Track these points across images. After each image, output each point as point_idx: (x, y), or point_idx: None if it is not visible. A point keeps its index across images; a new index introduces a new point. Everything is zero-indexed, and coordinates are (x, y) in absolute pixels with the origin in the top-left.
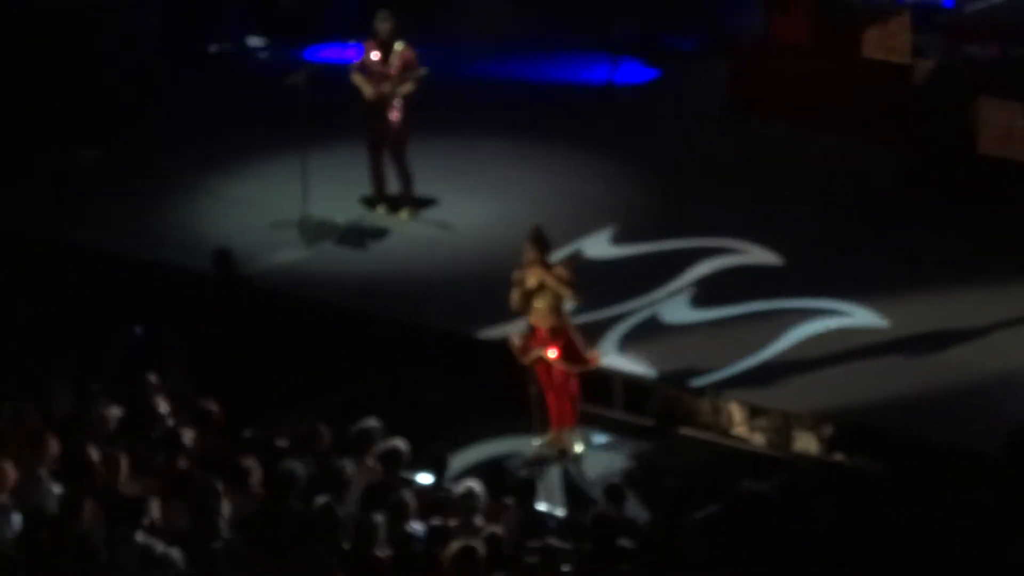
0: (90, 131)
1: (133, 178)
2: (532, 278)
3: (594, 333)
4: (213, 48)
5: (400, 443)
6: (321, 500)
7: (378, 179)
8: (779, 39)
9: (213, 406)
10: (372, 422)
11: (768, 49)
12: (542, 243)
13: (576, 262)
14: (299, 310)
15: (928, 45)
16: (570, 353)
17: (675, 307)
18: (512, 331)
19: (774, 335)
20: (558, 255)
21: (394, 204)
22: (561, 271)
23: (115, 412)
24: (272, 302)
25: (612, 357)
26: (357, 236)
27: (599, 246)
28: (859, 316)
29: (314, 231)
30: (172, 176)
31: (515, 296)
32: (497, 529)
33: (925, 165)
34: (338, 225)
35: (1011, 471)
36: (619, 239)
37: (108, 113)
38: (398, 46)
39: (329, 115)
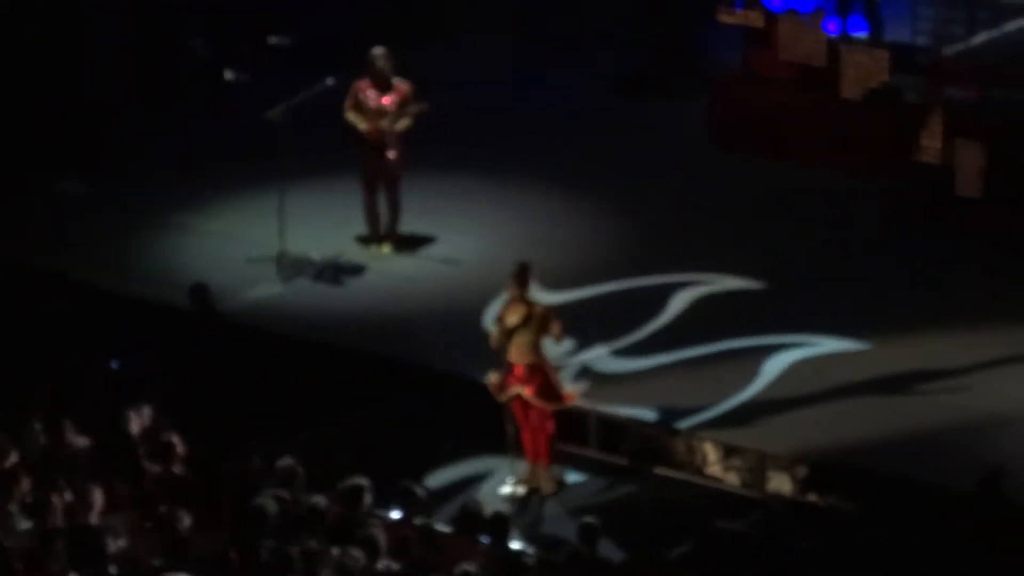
0: (70, 165)
1: (111, 212)
2: (513, 315)
3: (569, 371)
4: (193, 81)
5: (363, 481)
6: (293, 537)
7: (373, 217)
8: (758, 74)
9: (187, 440)
10: (345, 460)
11: (747, 84)
12: (523, 280)
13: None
14: (275, 346)
15: (907, 85)
16: (546, 391)
17: (648, 346)
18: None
19: (750, 374)
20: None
21: (379, 238)
22: (544, 309)
23: (87, 445)
24: (248, 337)
25: (586, 396)
26: (333, 272)
27: (574, 284)
28: (835, 351)
29: (291, 267)
30: (150, 210)
31: (495, 333)
32: (470, 567)
33: (905, 204)
34: (315, 261)
35: (985, 510)
36: (596, 276)
37: (88, 148)
38: (395, 81)
39: (308, 150)
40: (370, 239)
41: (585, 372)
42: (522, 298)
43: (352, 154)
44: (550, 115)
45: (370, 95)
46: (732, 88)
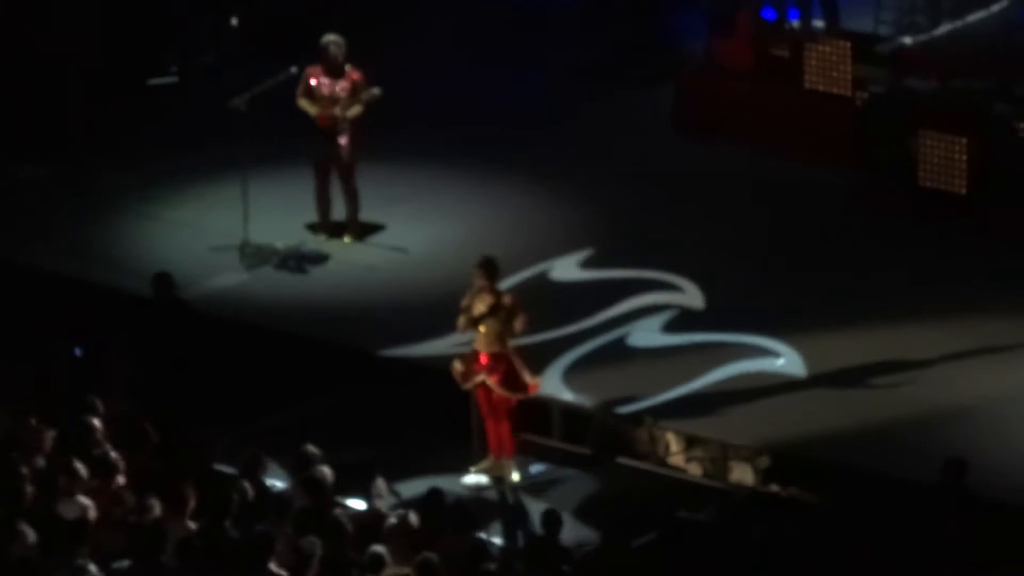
0: (32, 151)
1: (75, 199)
2: (480, 305)
3: (532, 360)
4: (158, 71)
5: (326, 470)
6: (258, 524)
7: (323, 204)
8: (722, 65)
9: (151, 428)
10: (309, 448)
11: (712, 75)
12: (491, 271)
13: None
14: (238, 334)
15: (870, 76)
16: (510, 380)
17: (614, 336)
18: (453, 356)
19: (711, 364)
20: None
21: (338, 228)
22: (512, 301)
23: (51, 434)
24: (211, 325)
25: (551, 385)
26: (296, 260)
27: (540, 272)
28: (797, 342)
29: (254, 255)
30: (113, 198)
31: (461, 321)
32: (432, 556)
33: (867, 194)
34: (278, 249)
35: (945, 501)
36: (559, 266)
37: (51, 134)
38: (347, 68)
39: (272, 138)
40: (320, 226)
41: (546, 360)
42: (491, 288)
43: (308, 142)
44: (514, 104)
45: (323, 82)
46: (696, 78)
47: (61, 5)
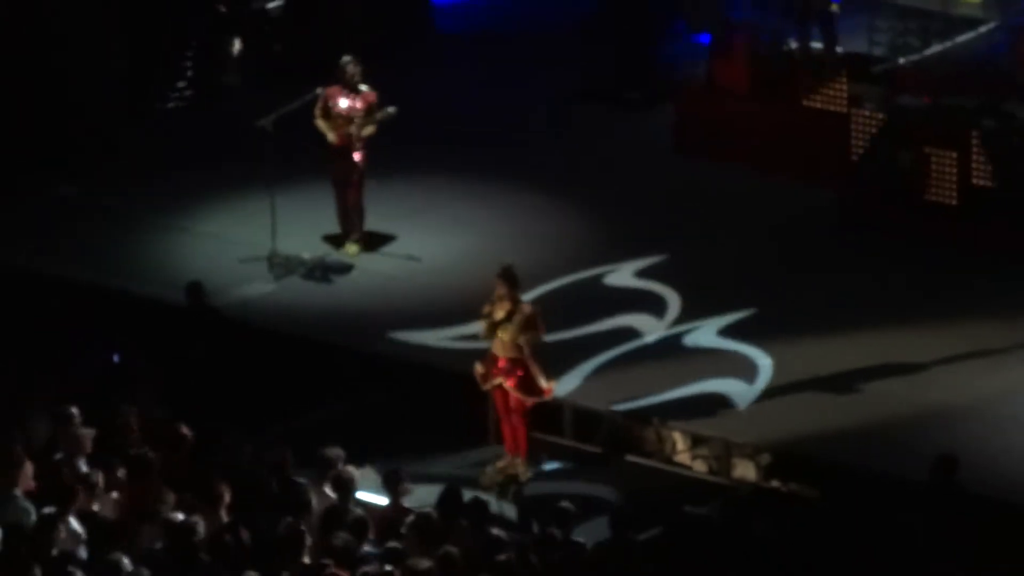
0: (68, 170)
1: (110, 214)
2: (499, 311)
3: (546, 362)
4: (183, 90)
5: (352, 470)
6: (285, 521)
7: (346, 218)
8: (721, 86)
9: (184, 430)
10: (335, 450)
11: (711, 95)
12: (511, 280)
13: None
14: (266, 340)
15: (865, 95)
16: (526, 384)
17: (624, 340)
18: (469, 360)
19: (712, 368)
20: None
21: (344, 239)
22: (532, 311)
23: (90, 435)
24: (241, 332)
25: (563, 387)
26: (322, 270)
27: (545, 279)
28: (794, 348)
29: (282, 266)
30: (147, 213)
31: (483, 327)
32: (452, 549)
33: (861, 208)
34: (304, 260)
35: (936, 497)
36: (564, 272)
37: (86, 152)
38: (362, 88)
39: (297, 156)
40: (342, 238)
41: (561, 364)
42: (511, 296)
43: (324, 159)
44: (523, 124)
45: (339, 101)
46: (696, 98)
47: (85, 26)
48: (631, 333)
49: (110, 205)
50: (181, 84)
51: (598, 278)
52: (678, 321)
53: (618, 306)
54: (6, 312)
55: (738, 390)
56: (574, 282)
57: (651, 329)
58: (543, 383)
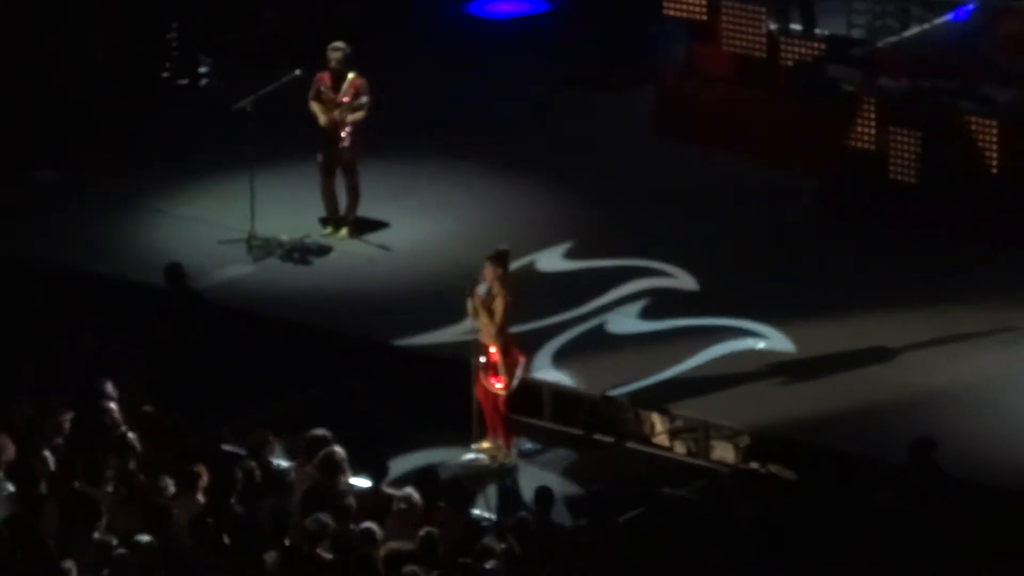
0: (47, 154)
1: (89, 198)
2: (479, 298)
3: (524, 346)
4: (165, 73)
5: (338, 450)
6: (266, 503)
7: (329, 200)
8: (702, 69)
9: (163, 413)
10: (320, 431)
11: (692, 78)
12: (502, 264)
13: (529, 277)
14: (246, 322)
15: (843, 76)
16: (495, 372)
17: (601, 322)
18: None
19: (693, 351)
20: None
21: (338, 222)
22: (501, 299)
23: (69, 417)
24: (220, 315)
25: (542, 369)
26: (300, 253)
27: (527, 262)
28: (775, 331)
29: (260, 248)
30: (125, 196)
31: (469, 306)
32: (432, 530)
33: (838, 190)
34: (282, 242)
35: (914, 479)
36: (545, 257)
37: (64, 137)
38: (350, 75)
39: (277, 137)
40: (327, 220)
41: (537, 346)
42: (497, 280)
43: (313, 141)
44: (504, 108)
45: (328, 87)
46: (677, 82)
47: (69, 11)
48: (614, 314)
49: (89, 189)
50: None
51: (577, 258)
52: (659, 303)
53: (599, 288)
54: None
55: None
56: (553, 263)
57: (634, 312)
58: (506, 375)
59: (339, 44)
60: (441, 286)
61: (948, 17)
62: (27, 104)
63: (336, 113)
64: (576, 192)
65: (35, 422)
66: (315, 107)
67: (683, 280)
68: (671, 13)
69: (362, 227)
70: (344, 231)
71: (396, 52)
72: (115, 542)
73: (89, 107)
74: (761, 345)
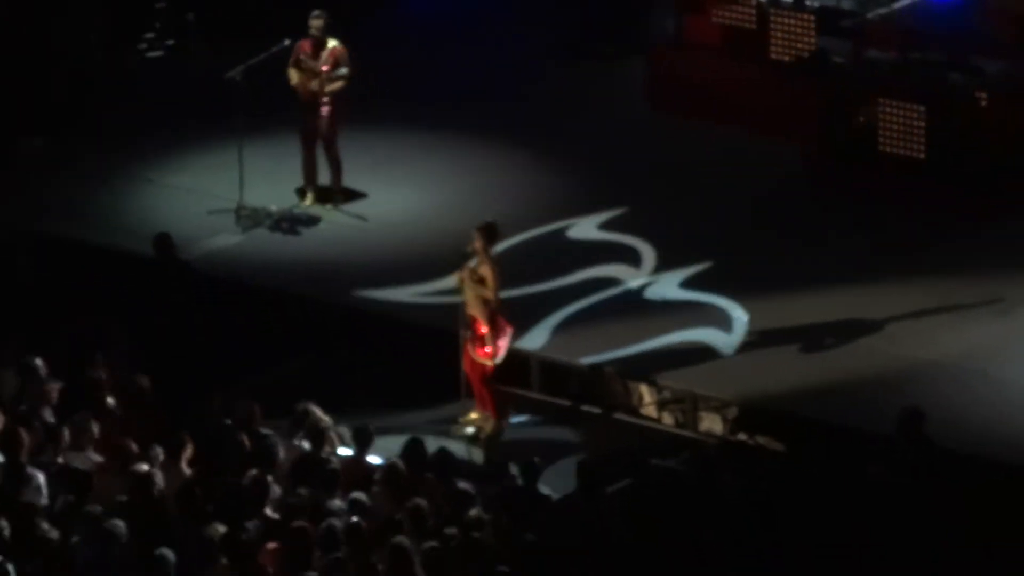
0: (34, 122)
1: (77, 167)
2: (465, 270)
3: (516, 317)
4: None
5: (325, 419)
6: (252, 472)
7: (309, 171)
8: (691, 40)
9: (151, 383)
10: (308, 404)
11: (682, 50)
12: (490, 236)
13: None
14: (234, 292)
15: (832, 48)
16: (480, 344)
17: (589, 295)
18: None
19: (682, 321)
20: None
21: (323, 194)
22: (487, 269)
23: (56, 387)
24: (209, 284)
25: (531, 340)
26: (289, 223)
27: (514, 232)
28: (763, 302)
29: (249, 218)
30: (114, 166)
31: (456, 279)
32: (420, 502)
33: (829, 162)
34: (271, 212)
35: (902, 450)
36: (533, 225)
37: (52, 105)
38: (330, 43)
39: (265, 108)
40: (304, 191)
41: (529, 317)
42: (483, 251)
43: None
44: (490, 78)
45: (308, 55)
46: (667, 53)
47: None
48: (599, 286)
49: (76, 158)
50: (150, 35)
51: (565, 230)
52: (647, 275)
53: (587, 259)
54: None
55: (719, 339)
56: (543, 235)
57: (620, 281)
58: (491, 348)
59: (319, 12)
60: (432, 258)
61: None
62: (14, 75)
63: (315, 83)
64: (565, 163)
65: (22, 392)
66: (293, 74)
67: (670, 251)
68: None
69: (347, 197)
70: (330, 203)
71: (384, 22)
72: (102, 512)
73: (78, 75)
74: (747, 317)
